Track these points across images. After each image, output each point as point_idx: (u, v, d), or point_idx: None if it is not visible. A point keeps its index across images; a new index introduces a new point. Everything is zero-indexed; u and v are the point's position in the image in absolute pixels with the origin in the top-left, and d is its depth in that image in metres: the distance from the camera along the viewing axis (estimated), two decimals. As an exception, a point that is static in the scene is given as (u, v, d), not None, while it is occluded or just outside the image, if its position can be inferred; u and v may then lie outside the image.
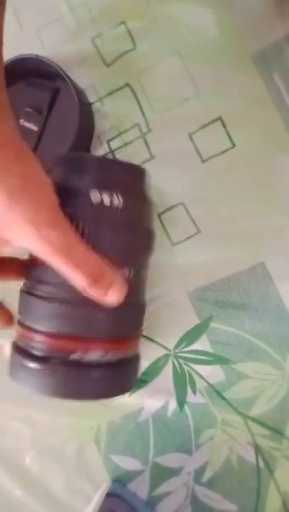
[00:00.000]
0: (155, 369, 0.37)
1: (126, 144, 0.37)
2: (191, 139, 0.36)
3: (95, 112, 0.38)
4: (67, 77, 0.34)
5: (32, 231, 0.20)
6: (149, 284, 0.36)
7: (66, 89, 0.35)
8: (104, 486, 0.38)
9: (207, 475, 0.37)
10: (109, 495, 0.37)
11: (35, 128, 0.36)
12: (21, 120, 0.37)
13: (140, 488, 0.38)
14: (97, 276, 0.23)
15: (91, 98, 0.38)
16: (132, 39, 0.37)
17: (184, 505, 0.37)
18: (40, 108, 0.36)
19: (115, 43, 0.37)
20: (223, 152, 0.35)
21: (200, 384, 0.36)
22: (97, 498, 0.37)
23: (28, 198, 0.20)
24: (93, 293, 0.23)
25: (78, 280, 0.23)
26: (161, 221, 0.37)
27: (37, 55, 0.34)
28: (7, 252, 0.24)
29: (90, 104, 0.37)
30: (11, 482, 0.40)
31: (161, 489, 0.38)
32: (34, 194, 0.21)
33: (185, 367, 0.37)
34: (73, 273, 0.22)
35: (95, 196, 0.24)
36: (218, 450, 0.37)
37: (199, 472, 0.37)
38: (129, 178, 0.27)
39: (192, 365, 0.37)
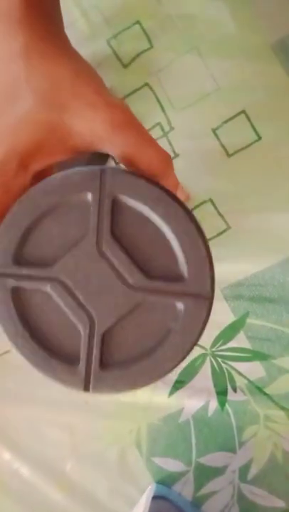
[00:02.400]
0: (193, 369, 0.37)
1: (148, 144, 0.37)
2: (216, 134, 0.36)
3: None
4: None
5: (100, 100, 0.19)
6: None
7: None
8: (149, 488, 0.38)
9: (252, 472, 0.36)
10: (156, 497, 0.37)
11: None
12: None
13: (185, 489, 0.38)
14: (169, 160, 0.21)
15: (110, 100, 0.37)
16: (148, 38, 0.37)
17: (231, 504, 0.37)
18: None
19: (131, 43, 0.37)
20: (248, 145, 0.35)
21: (240, 381, 0.36)
22: (144, 501, 0.37)
23: (90, 79, 0.20)
24: (170, 173, 0.21)
25: (155, 156, 0.20)
26: (189, 219, 0.36)
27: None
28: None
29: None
30: (52, 489, 0.40)
31: (207, 489, 0.37)
32: (95, 77, 0.21)
33: (223, 365, 0.36)
34: (149, 147, 0.20)
35: None
36: (262, 446, 0.36)
37: (244, 470, 0.37)
38: None
39: (231, 362, 0.36)
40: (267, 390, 0.36)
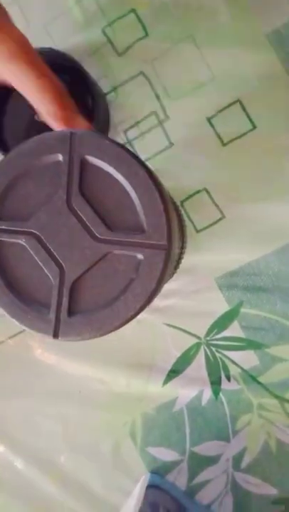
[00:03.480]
0: (187, 358, 0.37)
1: (143, 133, 0.37)
2: (211, 123, 0.36)
3: (110, 103, 0.37)
4: (82, 69, 0.34)
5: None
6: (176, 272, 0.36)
7: (80, 82, 0.34)
8: (143, 478, 0.38)
9: (246, 461, 0.37)
10: (150, 487, 0.37)
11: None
12: (35, 116, 0.36)
13: (179, 479, 0.38)
14: (66, 103, 0.23)
15: (105, 89, 0.37)
16: (143, 26, 0.36)
17: (224, 492, 0.37)
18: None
19: (126, 32, 0.37)
20: (243, 134, 0.35)
21: (234, 370, 0.36)
22: (138, 490, 0.37)
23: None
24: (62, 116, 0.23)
25: (47, 102, 0.23)
26: (184, 208, 0.36)
27: (51, 48, 0.33)
28: None
29: (104, 95, 0.37)
30: (46, 481, 0.40)
31: (201, 478, 0.38)
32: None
33: (217, 354, 0.36)
34: (43, 76, 0.22)
35: None
36: (255, 435, 0.36)
37: (238, 458, 0.37)
38: None
39: (225, 351, 0.36)
40: (260, 379, 0.36)
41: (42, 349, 0.40)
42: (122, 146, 0.21)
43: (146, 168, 0.20)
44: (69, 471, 0.40)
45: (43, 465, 0.40)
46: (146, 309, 0.40)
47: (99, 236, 0.20)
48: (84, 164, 0.21)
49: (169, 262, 0.20)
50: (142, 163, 0.20)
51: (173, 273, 0.30)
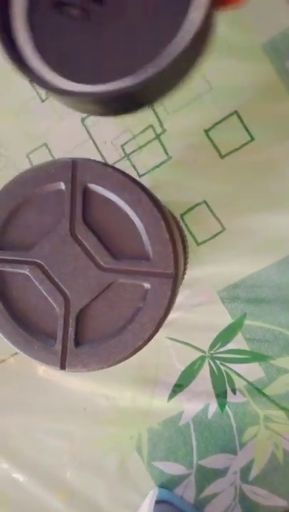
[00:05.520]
0: (191, 372, 0.37)
1: (141, 147, 0.36)
2: (208, 135, 0.35)
3: (103, 119, 0.37)
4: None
5: None
6: (178, 286, 0.36)
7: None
8: (152, 493, 0.38)
9: (254, 473, 0.37)
10: (159, 502, 0.37)
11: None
12: None
13: (187, 492, 0.38)
14: None
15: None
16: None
17: (233, 505, 0.37)
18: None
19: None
20: (242, 146, 0.35)
21: (239, 383, 0.36)
22: (147, 505, 0.37)
23: None
24: None
25: None
26: (184, 221, 0.36)
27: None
28: None
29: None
30: (52, 497, 0.40)
31: (209, 491, 0.37)
32: None
33: (222, 367, 0.36)
34: None
35: None
36: (262, 447, 0.36)
37: (245, 471, 0.37)
38: None
39: (229, 364, 0.36)
40: (266, 391, 0.36)
41: (45, 367, 0.39)
42: (125, 174, 0.20)
43: (149, 194, 0.20)
44: (75, 486, 0.40)
45: (49, 481, 0.40)
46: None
47: (104, 265, 0.20)
48: (86, 192, 0.21)
49: (176, 290, 0.20)
50: (145, 190, 0.20)
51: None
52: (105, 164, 0.21)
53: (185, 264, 0.31)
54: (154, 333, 0.20)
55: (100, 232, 0.20)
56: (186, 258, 0.31)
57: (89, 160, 0.21)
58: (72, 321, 0.20)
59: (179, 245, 0.21)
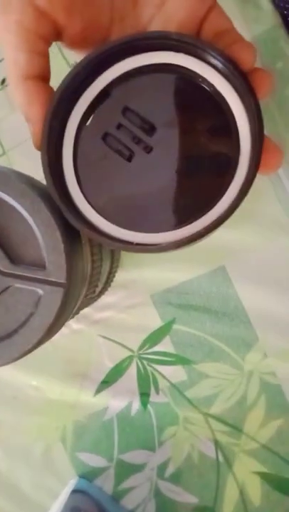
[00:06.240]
0: (119, 370, 0.38)
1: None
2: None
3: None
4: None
5: None
6: (113, 287, 0.37)
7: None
8: (71, 482, 0.39)
9: (170, 470, 0.38)
10: (75, 491, 0.38)
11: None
12: None
13: (106, 484, 0.39)
14: None
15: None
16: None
17: (148, 499, 0.39)
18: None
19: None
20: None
21: (163, 384, 0.37)
22: (64, 494, 0.38)
23: None
24: None
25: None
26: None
27: None
28: None
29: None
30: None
31: (126, 484, 0.39)
32: None
33: (148, 368, 0.38)
34: None
35: None
36: (180, 446, 0.38)
37: (162, 468, 0.38)
38: None
39: (155, 365, 0.38)
40: (187, 394, 0.37)
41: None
42: (28, 182, 0.21)
43: (49, 203, 0.21)
44: (1, 472, 0.41)
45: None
46: (83, 320, 0.41)
47: (2, 269, 0.21)
48: None
49: (68, 300, 0.21)
50: (46, 199, 0.21)
51: (77, 309, 0.29)
52: (10, 170, 0.21)
53: (112, 267, 0.32)
54: (44, 338, 0.21)
55: (1, 236, 0.21)
56: (113, 262, 0.32)
57: None
58: None
59: (79, 257, 0.22)
